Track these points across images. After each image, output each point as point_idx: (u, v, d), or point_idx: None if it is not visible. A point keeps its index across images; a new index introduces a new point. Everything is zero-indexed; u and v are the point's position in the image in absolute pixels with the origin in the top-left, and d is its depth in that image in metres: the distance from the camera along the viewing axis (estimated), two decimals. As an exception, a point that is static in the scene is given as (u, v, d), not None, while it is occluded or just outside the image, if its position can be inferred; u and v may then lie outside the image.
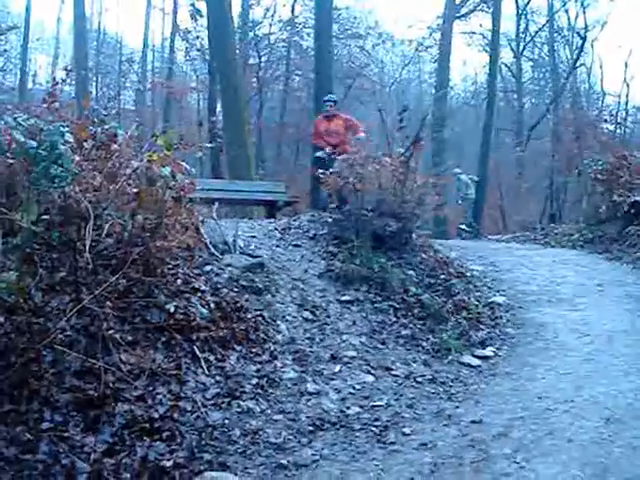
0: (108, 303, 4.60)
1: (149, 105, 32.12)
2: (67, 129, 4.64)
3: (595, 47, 32.38)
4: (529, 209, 28.04)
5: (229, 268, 6.51)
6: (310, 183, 18.12)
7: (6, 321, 4.03)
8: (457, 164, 24.46)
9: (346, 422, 4.78)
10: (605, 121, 25.79)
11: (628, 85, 31.46)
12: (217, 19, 17.40)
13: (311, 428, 4.63)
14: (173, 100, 29.44)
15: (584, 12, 30.30)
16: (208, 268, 6.32)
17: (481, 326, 7.28)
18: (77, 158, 4.86)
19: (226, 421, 4.47)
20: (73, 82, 22.49)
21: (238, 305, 5.89)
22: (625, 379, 5.54)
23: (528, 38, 32.77)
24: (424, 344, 6.66)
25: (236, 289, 6.20)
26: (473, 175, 21.50)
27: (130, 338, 4.69)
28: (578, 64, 31.13)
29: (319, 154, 11.64)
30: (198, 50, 26.60)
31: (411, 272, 8.09)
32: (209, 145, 14.42)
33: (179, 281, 5.59)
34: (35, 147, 4.28)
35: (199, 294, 5.66)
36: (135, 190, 5.09)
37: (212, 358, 5.09)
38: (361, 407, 5.05)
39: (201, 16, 20.65)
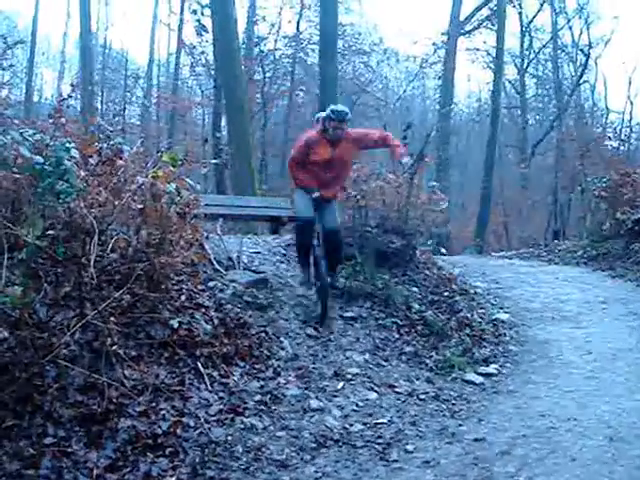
0: (112, 318, 4.60)
1: (154, 120, 32.22)
2: (73, 145, 4.67)
3: (599, 64, 32.24)
4: (533, 225, 28.00)
5: (233, 284, 6.53)
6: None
7: (10, 336, 4.05)
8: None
9: (349, 439, 4.77)
10: (609, 138, 25.80)
11: (632, 102, 31.35)
12: (223, 35, 17.47)
13: (314, 445, 4.62)
14: (178, 115, 29.55)
15: (588, 29, 30.41)
16: (212, 284, 6.34)
17: (484, 343, 7.27)
18: (82, 174, 4.89)
19: (229, 437, 4.46)
20: (79, 97, 22.59)
21: (242, 321, 5.91)
22: (629, 397, 5.53)
23: (532, 55, 32.86)
24: (427, 361, 6.65)
25: (240, 305, 6.21)
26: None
27: (134, 353, 4.71)
28: (582, 81, 31.21)
29: (306, 212, 7.19)
30: (203, 65, 26.72)
31: (414, 289, 8.10)
32: (214, 161, 14.44)
33: (183, 297, 5.61)
34: (41, 163, 4.31)
35: (203, 310, 5.67)
36: (140, 206, 5.11)
37: (215, 374, 5.09)
38: (364, 424, 5.04)
39: (206, 32, 20.78)
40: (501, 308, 8.71)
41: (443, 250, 17.45)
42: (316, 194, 7.10)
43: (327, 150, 7.09)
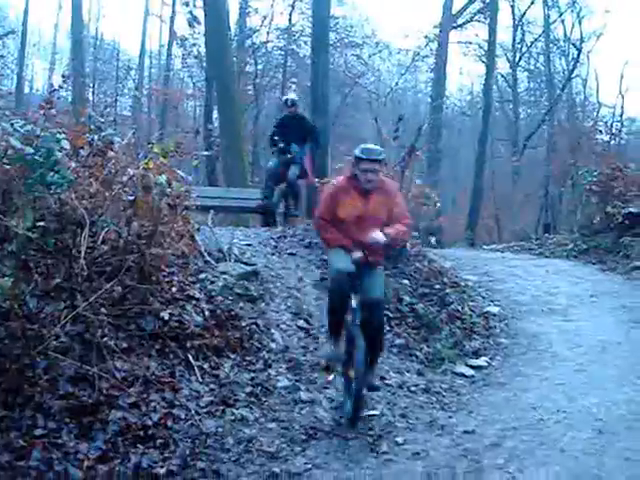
0: (103, 310, 4.60)
1: (146, 112, 32.09)
2: (64, 136, 4.65)
3: (591, 58, 32.21)
4: (524, 219, 28.01)
5: (224, 276, 6.51)
6: (305, 191, 18.07)
7: (1, 327, 4.04)
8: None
9: (339, 431, 4.78)
10: (600, 132, 25.78)
11: (623, 96, 31.33)
12: (214, 27, 17.38)
13: (304, 437, 4.64)
14: (170, 107, 29.42)
15: (580, 23, 30.32)
16: (203, 276, 6.32)
17: (475, 336, 7.29)
18: (73, 165, 4.88)
19: (220, 429, 4.47)
20: (70, 88, 22.47)
21: (232, 313, 5.89)
22: (618, 390, 5.56)
23: (524, 48, 32.81)
24: (418, 353, 6.67)
25: (231, 297, 6.19)
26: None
27: (124, 345, 4.70)
28: (574, 75, 31.18)
29: (343, 265, 5.29)
30: (195, 57, 26.59)
31: (405, 281, 8.08)
32: (205, 153, 14.37)
33: (174, 289, 5.60)
34: (32, 153, 4.29)
35: (194, 302, 5.66)
36: (131, 197, 5.11)
37: (206, 366, 5.09)
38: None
39: (198, 23, 20.66)
40: (492, 301, 8.73)
41: (433, 242, 17.49)
42: (358, 254, 5.33)
43: (357, 203, 5.37)
